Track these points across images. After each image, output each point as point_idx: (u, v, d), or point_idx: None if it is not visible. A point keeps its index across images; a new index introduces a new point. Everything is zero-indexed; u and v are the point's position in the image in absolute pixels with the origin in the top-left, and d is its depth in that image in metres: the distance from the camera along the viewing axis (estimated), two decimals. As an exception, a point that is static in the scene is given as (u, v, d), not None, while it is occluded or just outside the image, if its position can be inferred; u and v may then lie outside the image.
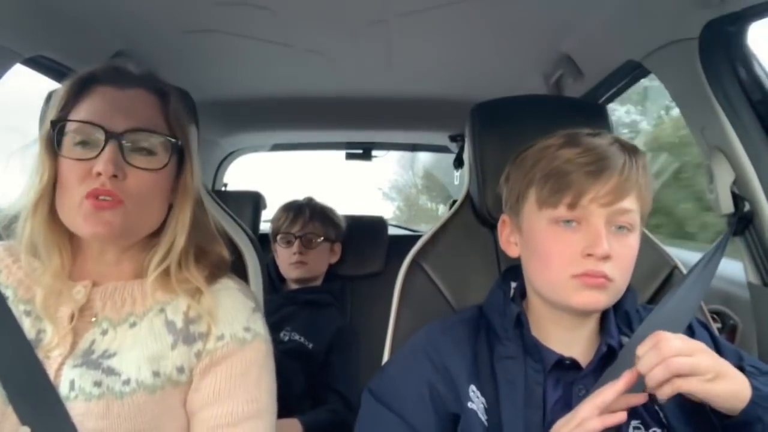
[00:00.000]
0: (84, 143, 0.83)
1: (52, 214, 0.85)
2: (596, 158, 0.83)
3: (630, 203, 0.83)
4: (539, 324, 0.89)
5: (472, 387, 0.85)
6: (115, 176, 0.81)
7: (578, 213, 0.82)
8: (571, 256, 0.82)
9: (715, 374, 0.72)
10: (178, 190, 0.90)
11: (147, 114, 0.87)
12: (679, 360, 0.71)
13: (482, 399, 0.84)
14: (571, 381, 0.84)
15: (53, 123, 0.84)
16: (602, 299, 0.83)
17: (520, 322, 0.88)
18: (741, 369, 0.77)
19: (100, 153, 0.82)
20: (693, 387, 0.72)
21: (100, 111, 0.84)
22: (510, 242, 0.94)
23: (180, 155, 0.90)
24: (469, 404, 0.84)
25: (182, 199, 0.89)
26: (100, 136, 0.82)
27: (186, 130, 0.91)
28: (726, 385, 0.73)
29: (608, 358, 0.85)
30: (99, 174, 0.81)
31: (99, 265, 0.89)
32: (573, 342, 0.88)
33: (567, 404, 0.82)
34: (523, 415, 0.82)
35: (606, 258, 0.80)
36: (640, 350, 0.74)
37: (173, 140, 0.88)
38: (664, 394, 0.72)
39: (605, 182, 0.81)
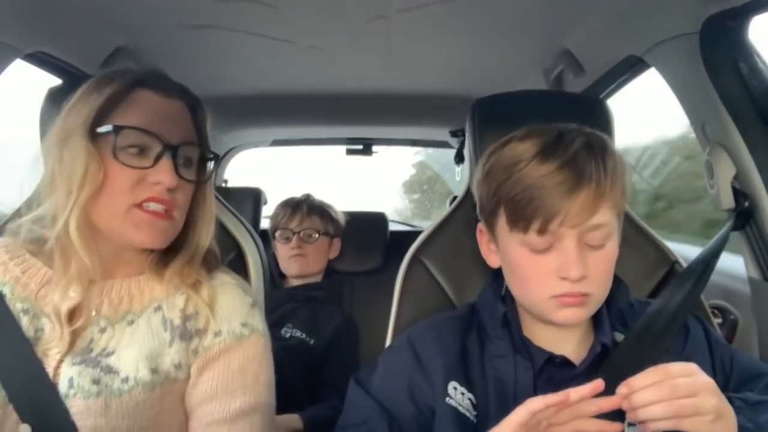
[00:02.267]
0: (137, 150, 0.83)
1: (86, 216, 0.83)
2: (567, 177, 0.79)
3: (603, 216, 0.80)
4: (528, 323, 0.89)
5: (454, 384, 0.85)
6: (174, 188, 0.84)
7: (548, 238, 0.80)
8: (547, 279, 0.81)
9: (717, 415, 0.68)
10: (204, 197, 0.93)
11: (191, 127, 0.90)
12: (683, 402, 0.67)
13: (469, 395, 0.84)
14: (564, 379, 0.83)
15: (116, 128, 0.82)
16: (583, 314, 0.82)
17: (508, 322, 0.88)
18: (729, 399, 0.73)
19: (155, 162, 0.83)
20: (692, 427, 0.68)
21: (152, 119, 0.84)
22: (490, 251, 0.92)
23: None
24: (447, 400, 0.84)
25: (208, 205, 0.93)
26: (156, 145, 0.83)
27: (209, 141, 0.95)
28: (722, 426, 0.69)
29: (602, 356, 0.85)
30: (156, 184, 0.82)
31: (110, 265, 0.89)
32: (564, 340, 0.87)
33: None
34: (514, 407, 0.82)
35: (581, 278, 0.79)
36: (638, 382, 0.68)
37: (211, 155, 0.92)
38: (656, 428, 0.68)
39: (575, 200, 0.78)
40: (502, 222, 0.85)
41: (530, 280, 0.83)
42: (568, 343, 0.87)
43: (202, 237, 0.92)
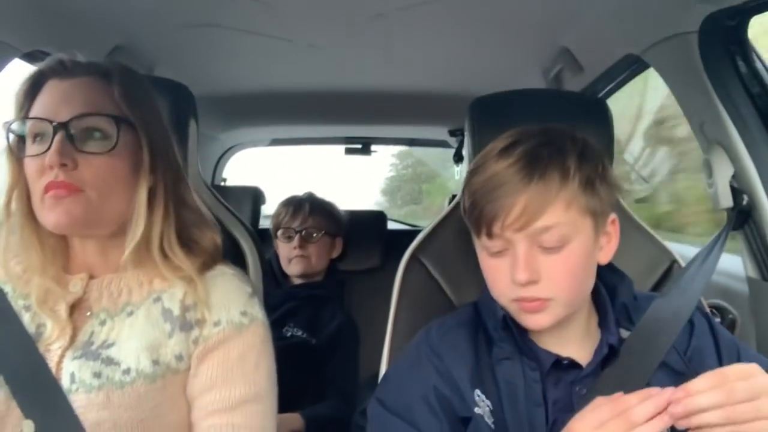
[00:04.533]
0: (37, 140, 0.83)
1: (30, 212, 0.85)
2: (495, 185, 0.78)
3: (554, 217, 0.77)
4: None
5: (477, 391, 0.83)
6: (65, 165, 0.81)
7: (499, 241, 0.79)
8: (505, 283, 0.80)
9: None
10: (140, 172, 0.87)
11: (92, 98, 0.85)
12: (741, 407, 0.63)
13: (487, 402, 0.83)
14: (572, 381, 0.83)
15: (6, 125, 0.85)
16: (547, 319, 0.80)
17: (508, 324, 0.86)
18: None
19: (50, 146, 0.81)
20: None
21: (48, 104, 0.84)
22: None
23: (137, 135, 0.87)
24: (476, 410, 0.82)
25: (141, 180, 0.86)
26: (48, 128, 0.82)
27: (141, 107, 0.88)
28: None
29: (609, 355, 0.84)
30: (51, 167, 0.81)
31: (90, 258, 0.89)
32: (567, 339, 0.86)
33: (568, 404, 0.81)
34: (526, 414, 0.81)
35: (531, 282, 0.78)
36: (695, 387, 0.64)
37: (117, 118, 0.85)
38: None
39: (510, 206, 0.77)
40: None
41: (492, 283, 0.84)
42: (572, 343, 0.86)
43: (139, 214, 0.86)
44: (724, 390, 0.63)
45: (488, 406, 0.82)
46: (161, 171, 0.88)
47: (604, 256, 0.85)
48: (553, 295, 0.79)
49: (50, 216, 0.82)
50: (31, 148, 0.84)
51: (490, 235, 0.80)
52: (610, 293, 0.88)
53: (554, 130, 0.83)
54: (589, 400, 0.78)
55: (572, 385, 0.83)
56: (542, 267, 0.78)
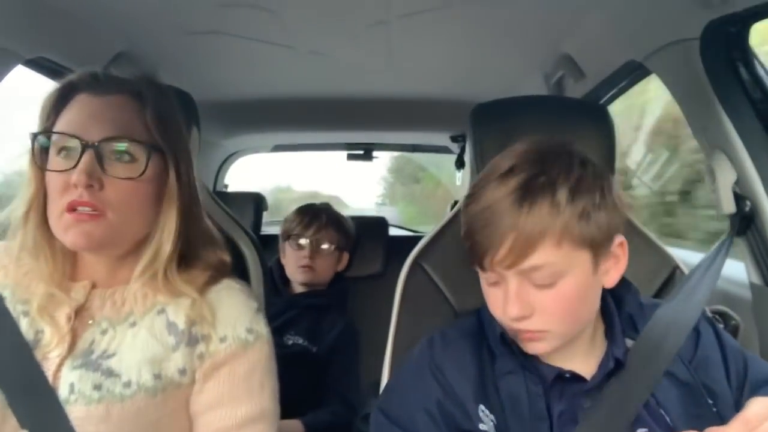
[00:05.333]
0: (62, 153, 0.82)
1: (45, 222, 0.84)
2: (487, 217, 0.76)
3: (543, 257, 0.74)
4: None
5: (482, 407, 0.82)
6: (91, 186, 0.80)
7: (492, 274, 0.79)
8: (501, 312, 0.80)
9: None
10: (164, 196, 0.87)
11: (124, 120, 0.84)
12: None
13: (491, 416, 0.82)
14: (576, 393, 0.82)
15: (33, 135, 0.84)
16: (544, 346, 0.80)
17: (506, 340, 0.85)
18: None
19: (77, 164, 0.80)
20: None
21: (77, 120, 0.83)
22: None
23: (164, 160, 0.87)
24: (481, 425, 0.81)
25: (167, 205, 0.87)
26: (76, 145, 0.81)
27: (171, 132, 0.88)
28: None
29: (614, 368, 0.83)
30: (77, 186, 0.80)
31: (98, 272, 0.89)
32: (572, 354, 0.84)
33: (572, 417, 0.80)
34: (530, 428, 0.80)
35: (523, 318, 0.77)
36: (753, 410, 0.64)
37: (148, 145, 0.84)
38: None
39: (499, 244, 0.75)
40: None
41: (490, 308, 0.83)
42: (576, 356, 0.84)
43: (163, 238, 0.86)
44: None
45: (493, 420, 0.81)
46: (188, 195, 0.89)
47: (610, 280, 0.83)
48: (548, 328, 0.78)
49: (68, 235, 0.81)
50: (55, 161, 0.83)
51: (483, 268, 0.80)
52: (617, 303, 0.87)
53: (552, 155, 0.79)
54: (593, 412, 0.78)
55: (576, 398, 0.82)
56: (535, 302, 0.77)
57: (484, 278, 0.82)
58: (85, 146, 0.80)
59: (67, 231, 0.81)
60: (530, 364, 0.84)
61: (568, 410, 0.81)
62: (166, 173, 0.87)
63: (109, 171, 0.81)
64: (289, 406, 1.02)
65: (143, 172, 0.83)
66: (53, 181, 0.82)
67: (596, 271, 0.79)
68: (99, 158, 0.81)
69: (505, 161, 0.80)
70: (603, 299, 0.86)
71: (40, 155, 0.84)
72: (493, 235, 0.76)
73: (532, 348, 0.80)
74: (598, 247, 0.78)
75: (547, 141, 0.82)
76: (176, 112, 0.91)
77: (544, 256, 0.75)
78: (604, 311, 0.87)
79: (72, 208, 0.80)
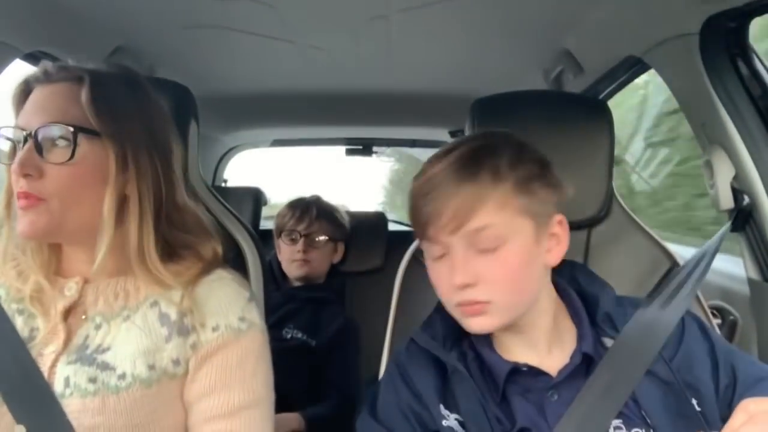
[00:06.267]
0: (19, 147, 0.83)
1: None
2: (429, 188, 0.79)
3: (487, 217, 0.77)
4: (497, 332, 0.86)
5: (441, 406, 0.83)
6: (29, 175, 0.80)
7: (438, 246, 0.80)
8: (447, 287, 0.80)
9: None
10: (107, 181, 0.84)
11: (61, 106, 0.83)
12: None
13: (454, 414, 0.82)
14: (543, 388, 0.81)
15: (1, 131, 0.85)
16: (490, 322, 0.80)
17: (454, 335, 0.85)
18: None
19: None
20: None
21: (26, 113, 0.84)
22: None
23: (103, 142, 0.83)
24: (444, 422, 0.82)
25: (107, 193, 0.83)
26: (21, 137, 0.82)
27: (111, 115, 0.84)
28: None
29: (587, 364, 0.82)
30: (18, 176, 0.81)
31: (80, 264, 0.88)
32: (531, 345, 0.84)
33: (540, 409, 0.80)
34: (488, 425, 0.80)
35: (469, 285, 0.78)
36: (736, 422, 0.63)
37: (77, 127, 0.81)
38: None
39: (443, 208, 0.78)
40: None
41: (437, 288, 0.84)
42: (539, 349, 0.84)
43: (109, 230, 0.83)
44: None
45: (456, 418, 0.82)
46: (135, 180, 0.85)
47: (553, 258, 0.84)
48: (491, 298, 0.78)
49: (18, 225, 0.82)
50: (12, 156, 0.84)
51: (428, 239, 0.81)
52: (592, 303, 0.86)
53: (495, 134, 0.84)
54: (565, 407, 0.78)
55: (543, 392, 0.81)
56: (480, 269, 0.78)
57: (430, 253, 0.83)
58: (26, 137, 0.82)
59: (19, 221, 0.82)
60: (482, 362, 0.83)
61: (536, 402, 0.80)
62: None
63: (47, 158, 0.81)
64: (288, 400, 1.02)
65: (72, 156, 0.81)
66: (10, 174, 0.83)
67: (539, 244, 0.81)
68: (38, 147, 0.81)
69: (450, 145, 0.84)
70: (568, 295, 0.87)
71: (11, 151, 0.85)
72: (436, 200, 0.78)
73: (476, 324, 0.80)
74: (539, 218, 0.80)
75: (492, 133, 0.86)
76: (130, 98, 0.88)
77: (487, 217, 0.77)
78: (570, 305, 0.87)
79: (18, 198, 0.81)
